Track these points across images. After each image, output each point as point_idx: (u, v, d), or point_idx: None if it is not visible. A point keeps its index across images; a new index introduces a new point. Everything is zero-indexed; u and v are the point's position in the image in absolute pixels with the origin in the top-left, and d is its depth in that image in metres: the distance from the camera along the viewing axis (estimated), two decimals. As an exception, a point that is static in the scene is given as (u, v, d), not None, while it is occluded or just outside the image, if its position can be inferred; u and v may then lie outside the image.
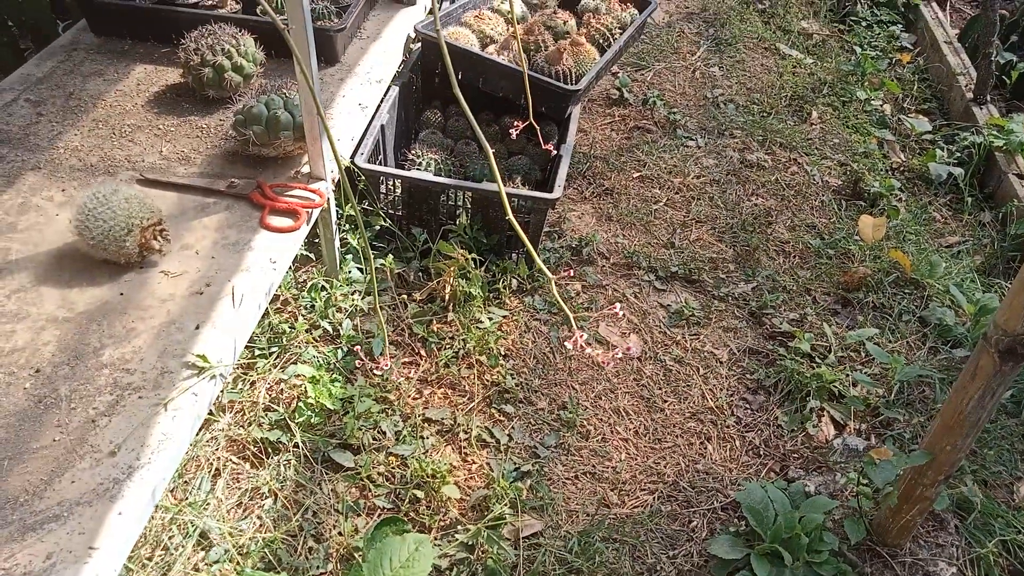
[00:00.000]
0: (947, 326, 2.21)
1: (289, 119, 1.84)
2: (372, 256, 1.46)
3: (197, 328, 1.52)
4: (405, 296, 2.12)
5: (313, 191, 1.84)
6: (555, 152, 2.36)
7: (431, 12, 2.70)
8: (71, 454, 1.29)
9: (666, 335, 2.16)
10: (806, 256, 2.48)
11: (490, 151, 0.87)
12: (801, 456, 1.90)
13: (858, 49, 3.56)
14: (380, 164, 2.26)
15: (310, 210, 1.81)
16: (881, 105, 3.25)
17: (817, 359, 2.11)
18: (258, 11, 2.25)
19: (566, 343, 0.71)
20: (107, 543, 1.18)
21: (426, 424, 1.85)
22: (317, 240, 2.04)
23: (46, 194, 1.78)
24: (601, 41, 2.55)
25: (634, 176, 2.73)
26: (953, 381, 2.08)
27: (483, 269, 2.17)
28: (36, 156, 1.87)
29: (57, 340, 1.47)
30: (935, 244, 2.56)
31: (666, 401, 1.99)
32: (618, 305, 0.70)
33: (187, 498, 1.62)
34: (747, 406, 2.02)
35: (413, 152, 2.36)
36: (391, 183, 2.19)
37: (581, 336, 0.71)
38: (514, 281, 2.21)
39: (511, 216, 0.92)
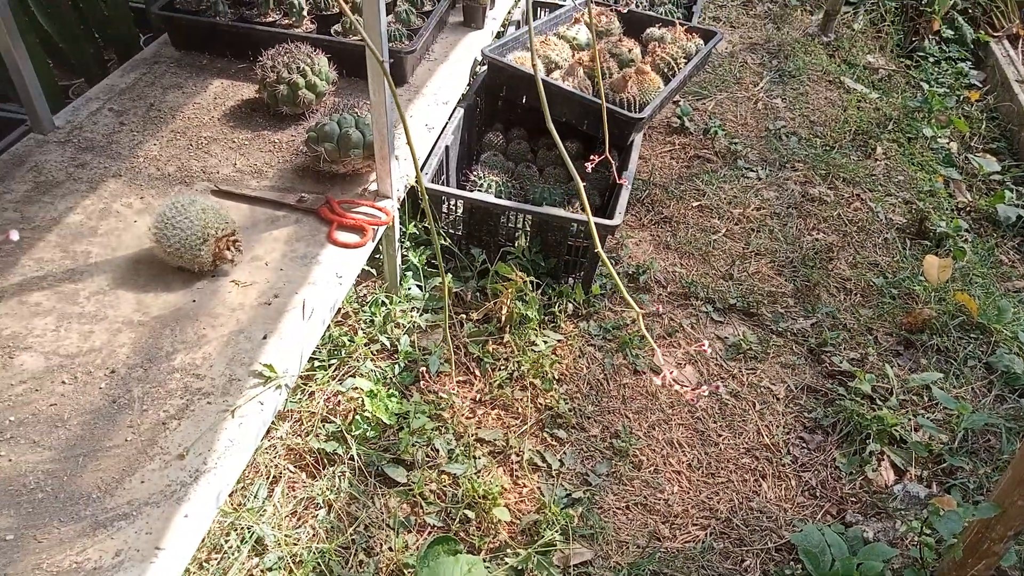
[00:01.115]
0: (1015, 374, 2.15)
1: (360, 138, 1.88)
2: (438, 273, 1.48)
3: (265, 338, 1.55)
4: (463, 315, 2.14)
5: (379, 208, 1.88)
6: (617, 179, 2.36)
7: (498, 36, 2.74)
8: (142, 455, 1.33)
9: (722, 368, 2.14)
10: (868, 294, 2.43)
11: (581, 184, 0.88)
12: (859, 500, 1.86)
13: (925, 85, 3.50)
14: (443, 184, 2.30)
15: (376, 227, 1.85)
16: (948, 143, 3.19)
17: (878, 401, 2.06)
18: (332, 31, 2.31)
19: (655, 378, 0.71)
20: (172, 544, 1.21)
21: (479, 444, 1.86)
22: (379, 256, 2.07)
23: (125, 200, 1.85)
24: (666, 70, 2.55)
25: (693, 205, 2.72)
26: (1022, 432, 2.01)
27: (539, 292, 2.17)
28: (117, 164, 1.94)
29: (132, 343, 1.52)
30: (1003, 288, 2.49)
31: (720, 435, 1.97)
32: (706, 342, 0.69)
33: (245, 503, 1.65)
34: (804, 445, 1.98)
35: (475, 173, 2.39)
36: (453, 203, 2.22)
37: (671, 372, 0.71)
38: (570, 305, 2.22)
39: (599, 249, 0.92)
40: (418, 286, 2.15)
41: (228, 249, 1.66)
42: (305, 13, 2.32)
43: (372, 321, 2.05)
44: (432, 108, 2.27)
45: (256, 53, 2.15)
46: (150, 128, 2.07)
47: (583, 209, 0.83)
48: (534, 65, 0.96)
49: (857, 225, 2.71)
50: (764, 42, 3.71)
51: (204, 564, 1.55)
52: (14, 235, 1.47)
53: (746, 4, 4.03)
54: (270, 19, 2.32)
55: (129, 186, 1.88)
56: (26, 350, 1.48)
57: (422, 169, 2.14)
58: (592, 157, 1.29)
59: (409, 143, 1.00)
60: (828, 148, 3.08)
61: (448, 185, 2.36)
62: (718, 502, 1.82)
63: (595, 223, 2.03)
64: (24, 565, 1.16)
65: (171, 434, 1.37)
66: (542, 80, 2.37)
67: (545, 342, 2.08)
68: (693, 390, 0.73)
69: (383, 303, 2.08)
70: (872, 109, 3.33)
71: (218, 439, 1.36)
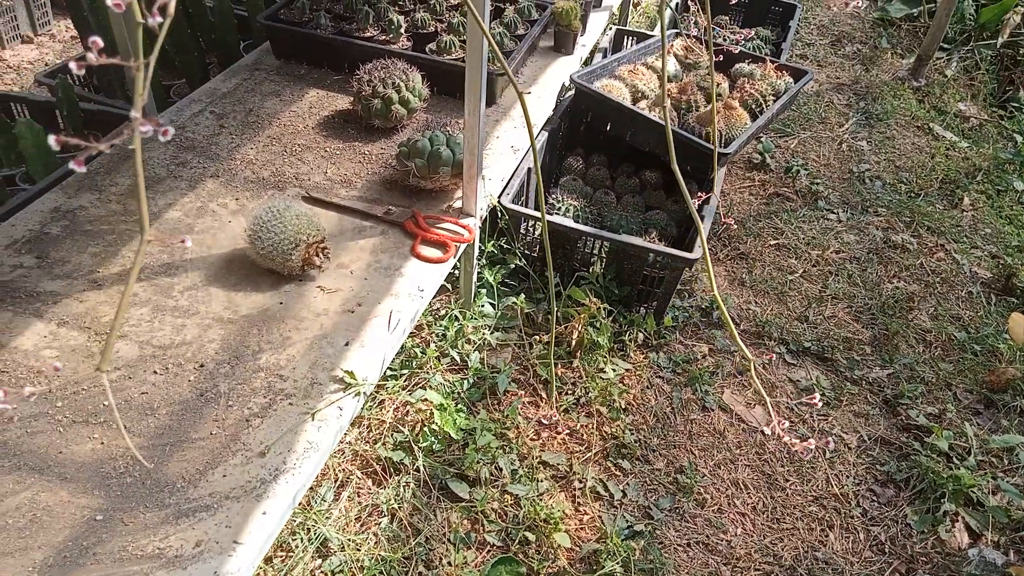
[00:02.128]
0: (1106, 444, 2.05)
1: (449, 156, 1.92)
2: (511, 292, 1.49)
3: (346, 345, 1.59)
4: (533, 337, 2.15)
5: (463, 226, 1.91)
6: (697, 210, 2.35)
7: (586, 62, 2.77)
8: (225, 449, 1.37)
9: (793, 412, 2.10)
10: (948, 349, 2.35)
11: (700, 223, 0.88)
12: (931, 561, 1.79)
13: (1018, 137, 3.39)
14: (522, 204, 2.32)
15: (458, 244, 1.87)
16: (1041, 198, 3.08)
17: (955, 460, 1.99)
18: (427, 49, 2.37)
19: (764, 428, 0.70)
20: (250, 539, 1.24)
21: (542, 467, 1.86)
22: (455, 271, 2.10)
23: (221, 201, 1.92)
24: (753, 106, 2.54)
25: (770, 243, 2.68)
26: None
27: (611, 320, 2.17)
28: (216, 165, 2.02)
29: (221, 339, 1.57)
30: (1095, 353, 2.38)
31: (788, 480, 1.93)
32: (817, 395, 0.67)
33: (312, 504, 1.69)
34: (874, 498, 1.92)
35: (553, 196, 2.41)
36: (531, 224, 2.24)
37: (782, 424, 0.70)
38: (640, 335, 2.21)
39: (715, 292, 0.92)
40: (491, 304, 2.17)
41: (317, 255, 1.71)
42: (402, 31, 2.38)
43: (444, 335, 2.08)
44: (518, 130, 2.29)
45: (352, 66, 2.22)
46: (248, 132, 2.15)
47: (701, 246, 0.82)
48: (664, 108, 0.97)
49: (940, 276, 2.63)
50: (851, 83, 3.65)
51: (270, 559, 1.59)
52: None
53: (835, 43, 3.98)
54: (368, 34, 2.39)
55: (226, 187, 1.95)
56: (122, 338, 1.55)
57: (504, 190, 2.17)
58: (700, 195, 1.29)
59: (538, 182, 1.02)
60: (913, 195, 3.00)
61: (527, 206, 2.38)
62: (782, 549, 1.78)
63: (674, 254, 2.03)
64: (112, 546, 1.21)
65: (253, 431, 1.41)
66: (626, 107, 2.38)
67: (614, 370, 2.08)
68: (802, 442, 0.72)
69: (456, 318, 2.11)
70: (961, 158, 3.24)
71: (298, 440, 1.40)
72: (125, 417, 1.40)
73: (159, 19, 0.52)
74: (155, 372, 1.49)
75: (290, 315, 1.64)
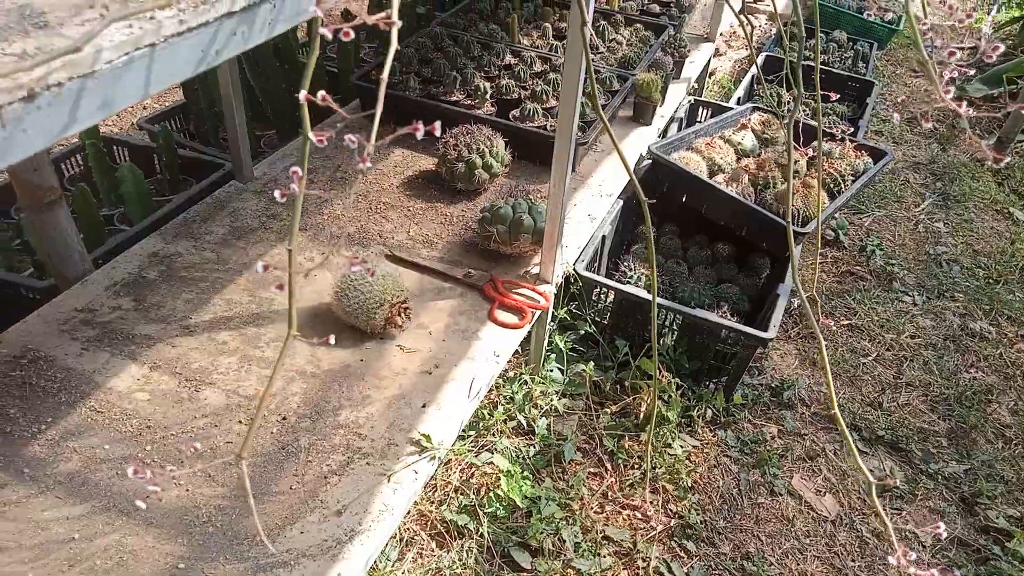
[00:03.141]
0: None
1: (531, 224, 1.95)
2: (580, 359, 1.50)
3: (424, 407, 1.61)
4: (600, 406, 2.14)
5: (540, 293, 1.93)
6: (772, 289, 2.34)
7: (663, 132, 2.80)
8: (303, 505, 1.40)
9: (865, 503, 2.04)
10: (1031, 446, 2.27)
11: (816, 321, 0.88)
12: (1011, 677, 1.70)
13: (1105, 226, 3.29)
14: (595, 271, 2.34)
15: (535, 311, 1.90)
16: None
17: (1038, 568, 1.90)
18: (511, 115, 2.43)
19: (889, 557, 0.69)
20: (324, 601, 1.26)
21: (605, 542, 1.84)
22: (527, 335, 2.12)
23: (308, 255, 1.99)
24: (832, 185, 2.52)
25: (843, 323, 2.64)
26: None
27: (679, 393, 2.16)
28: (304, 219, 2.09)
29: (303, 393, 1.61)
30: None
31: (859, 576, 1.86)
32: (942, 525, 0.66)
33: (378, 564, 1.69)
34: (950, 603, 1.84)
35: (625, 264, 2.42)
36: (603, 292, 2.25)
37: (907, 554, 0.68)
38: (708, 411, 2.18)
39: (822, 348, 0.92)
40: (560, 369, 2.18)
41: (399, 315, 1.75)
42: (488, 96, 2.45)
43: (512, 398, 2.09)
44: (595, 199, 2.33)
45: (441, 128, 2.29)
46: (335, 188, 2.23)
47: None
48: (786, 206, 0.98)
49: (1020, 369, 2.55)
50: (928, 162, 3.61)
51: (334, 618, 1.59)
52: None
53: (911, 121, 3.95)
54: (454, 98, 2.47)
55: (312, 241, 2.02)
56: (210, 386, 1.60)
57: (579, 257, 2.19)
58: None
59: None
60: (992, 281, 2.93)
61: (599, 273, 2.40)
62: (852, 650, 1.71)
63: (749, 332, 2.02)
64: (193, 597, 1.24)
65: (331, 489, 1.43)
66: (703, 181, 2.40)
67: (681, 447, 2.05)
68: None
69: (525, 381, 2.12)
70: (1044, 245, 3.16)
71: (374, 502, 1.42)
72: (210, 465, 1.45)
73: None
74: (239, 422, 1.54)
75: (370, 372, 1.67)
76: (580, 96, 1.66)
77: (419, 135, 0.66)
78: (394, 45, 0.65)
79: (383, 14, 0.63)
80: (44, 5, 0.60)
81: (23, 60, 0.52)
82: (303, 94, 0.68)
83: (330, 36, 0.63)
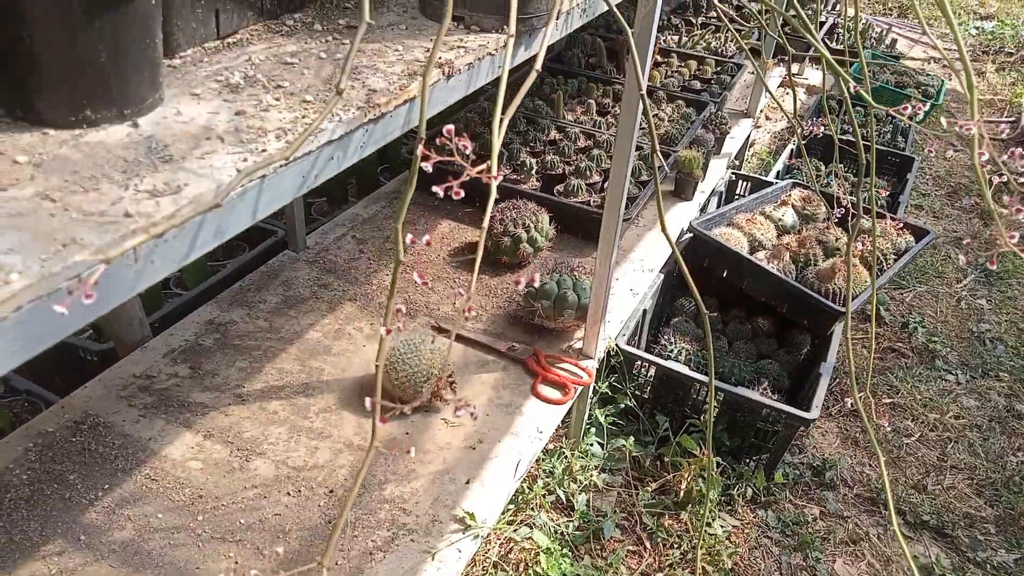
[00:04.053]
0: None
1: (575, 300, 1.99)
2: (619, 434, 1.50)
3: (468, 483, 1.63)
4: (639, 482, 2.14)
5: (583, 368, 1.96)
6: (813, 367, 2.33)
7: (703, 209, 2.85)
8: (350, 582, 1.42)
9: (911, 592, 1.99)
10: (1084, 537, 2.20)
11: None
12: None
13: None
14: (636, 345, 2.36)
15: (577, 387, 1.92)
16: None
17: (1096, 669, 1.83)
18: (555, 191, 2.49)
19: None
20: None
21: (645, 625, 1.82)
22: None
23: (357, 324, 2.04)
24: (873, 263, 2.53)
25: (884, 401, 2.61)
26: None
27: (720, 471, 2.14)
28: (354, 288, 2.15)
29: (350, 465, 1.64)
30: None
31: (907, 671, 1.81)
32: None
33: (416, 641, 1.69)
34: None
35: (665, 338, 2.44)
36: (645, 366, 2.26)
37: None
38: (748, 490, 2.16)
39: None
40: (599, 444, 2.19)
41: (445, 389, 1.78)
42: (533, 172, 2.52)
43: (552, 472, 2.09)
44: (638, 274, 2.36)
45: (484, 201, 2.35)
46: (384, 259, 2.29)
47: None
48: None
49: (1071, 454, 2.49)
50: (970, 237, 3.60)
51: None
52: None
53: (951, 195, 3.95)
54: (501, 172, 2.54)
55: (362, 311, 2.08)
56: (260, 456, 1.64)
57: (620, 331, 2.22)
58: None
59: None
60: (1038, 361, 2.89)
61: (640, 346, 2.42)
62: None
63: (791, 412, 2.01)
64: (242, 673, 1.25)
65: (376, 565, 1.45)
66: (745, 257, 2.42)
67: (722, 526, 2.03)
68: None
69: (564, 455, 2.13)
70: (1090, 324, 3.11)
71: (419, 581, 1.43)
72: (259, 537, 1.47)
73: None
74: (288, 494, 1.57)
75: (415, 446, 1.70)
76: (627, 181, 1.71)
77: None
78: (493, 195, 0.70)
79: (484, 166, 0.68)
80: (166, 137, 0.66)
81: (155, 196, 0.57)
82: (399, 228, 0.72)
83: (430, 169, 0.68)
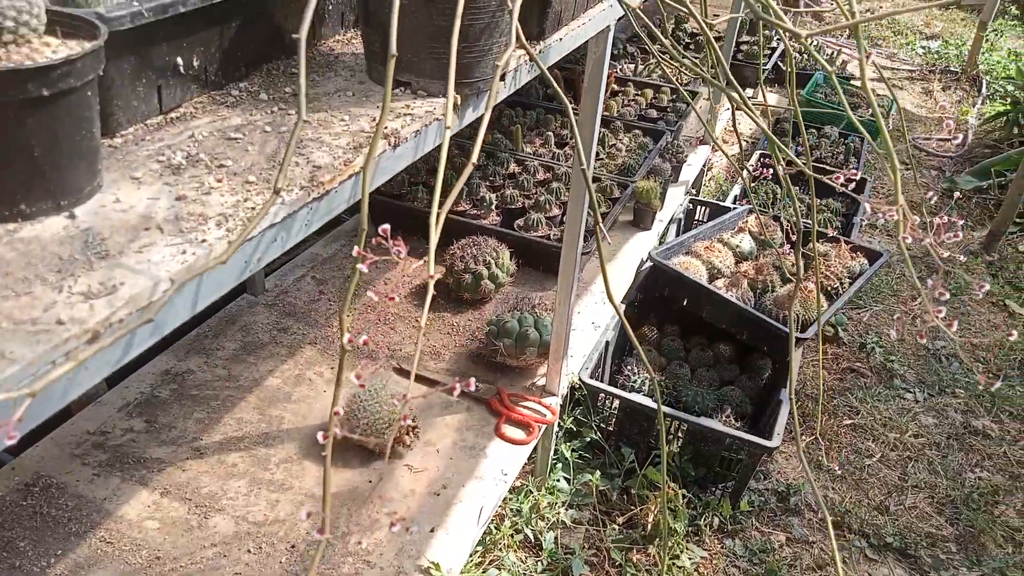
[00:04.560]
0: None
1: (537, 337, 1.99)
2: (586, 468, 1.51)
3: (432, 531, 1.62)
4: (607, 517, 2.14)
5: (546, 406, 1.96)
6: (773, 394, 2.36)
7: (663, 237, 2.88)
8: (314, 641, 1.39)
9: (877, 616, 2.01)
10: (1041, 552, 2.25)
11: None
12: None
13: (1099, 318, 3.34)
14: (599, 378, 2.36)
15: (541, 426, 1.92)
16: None
17: None
18: (515, 225, 2.50)
19: None
20: None
21: (616, 664, 1.81)
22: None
23: (317, 369, 2.02)
24: (829, 288, 2.58)
25: (845, 423, 2.66)
26: None
27: (686, 502, 2.15)
28: (314, 331, 2.13)
29: (312, 518, 1.61)
30: None
31: None
32: None
33: None
34: None
35: (628, 368, 2.45)
36: (609, 399, 2.27)
37: None
38: (715, 519, 2.18)
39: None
40: (566, 479, 2.18)
41: (407, 435, 1.77)
42: (493, 207, 2.53)
43: (519, 511, 2.08)
44: (599, 306, 2.38)
45: (444, 237, 2.35)
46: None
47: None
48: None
49: (1026, 468, 2.55)
50: (922, 256, 3.68)
51: None
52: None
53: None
54: (461, 208, 2.55)
55: (322, 355, 2.06)
56: (219, 512, 1.61)
57: (583, 365, 2.22)
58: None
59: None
60: (992, 376, 2.96)
61: (604, 378, 2.42)
62: None
63: (753, 442, 2.03)
64: None
65: (341, 623, 1.42)
66: (704, 287, 2.45)
67: (690, 559, 2.04)
68: None
69: (531, 491, 2.12)
70: (1040, 338, 3.20)
71: (385, 637, 1.41)
72: (219, 598, 1.44)
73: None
74: (249, 551, 1.53)
75: (378, 495, 1.68)
76: (581, 239, 1.72)
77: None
78: (430, 292, 0.69)
79: (421, 262, 0.68)
80: (104, 229, 0.65)
81: (89, 299, 0.56)
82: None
83: (366, 270, 0.67)
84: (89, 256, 0.61)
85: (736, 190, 3.42)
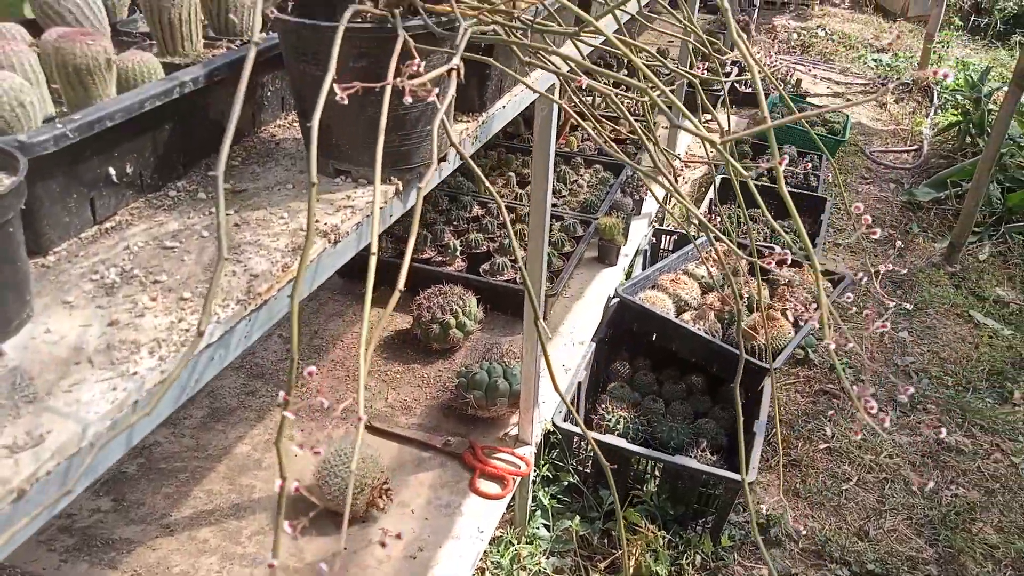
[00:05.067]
0: None
1: (507, 387, 1.99)
2: (565, 514, 1.49)
3: (409, 597, 1.60)
4: (589, 563, 2.13)
5: (520, 457, 1.95)
6: (747, 427, 2.37)
7: (629, 271, 2.90)
8: None
9: (862, 646, 2.01)
10: (1019, 566, 2.27)
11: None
12: None
13: (1062, 322, 3.40)
14: (572, 421, 2.36)
15: (516, 478, 1.91)
16: (1094, 390, 3.04)
17: None
18: (481, 270, 2.51)
19: None
20: None
21: None
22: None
23: (287, 433, 1.99)
24: (795, 315, 2.60)
25: (821, 447, 2.67)
26: None
27: (666, 542, 2.15)
28: (283, 391, 2.11)
29: (287, 592, 1.59)
30: None
31: None
32: None
33: None
34: None
35: (603, 407, 2.45)
36: (584, 441, 2.27)
37: None
38: (697, 557, 2.17)
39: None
40: (545, 526, 2.17)
41: (381, 497, 1.75)
42: (458, 253, 2.53)
43: (499, 564, 2.07)
44: (569, 348, 2.38)
45: (409, 285, 2.35)
46: (314, 356, 2.26)
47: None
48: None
49: (999, 481, 2.58)
50: (887, 270, 3.73)
51: None
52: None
53: (865, 228, 4.10)
54: (426, 256, 2.55)
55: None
56: (192, 591, 1.58)
57: (556, 409, 2.22)
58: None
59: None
60: (961, 389, 2.99)
61: (579, 417, 2.42)
62: None
63: (727, 477, 2.04)
64: None
65: None
66: (671, 321, 2.47)
67: (673, 600, 2.03)
68: None
69: (510, 543, 2.10)
70: (1005, 347, 3.25)
71: None
72: None
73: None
74: (222, 631, 1.51)
75: (354, 563, 1.66)
76: (543, 289, 1.73)
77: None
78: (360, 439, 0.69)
79: (359, 418, 0.68)
80: (33, 366, 0.64)
81: (14, 452, 0.55)
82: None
83: (292, 416, 0.67)
84: (16, 400, 0.60)
85: (703, 210, 3.45)
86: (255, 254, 0.82)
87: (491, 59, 1.01)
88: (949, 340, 3.28)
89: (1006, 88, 3.39)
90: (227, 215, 0.89)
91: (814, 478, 2.54)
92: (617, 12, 1.45)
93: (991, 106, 4.52)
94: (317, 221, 0.90)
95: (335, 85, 0.71)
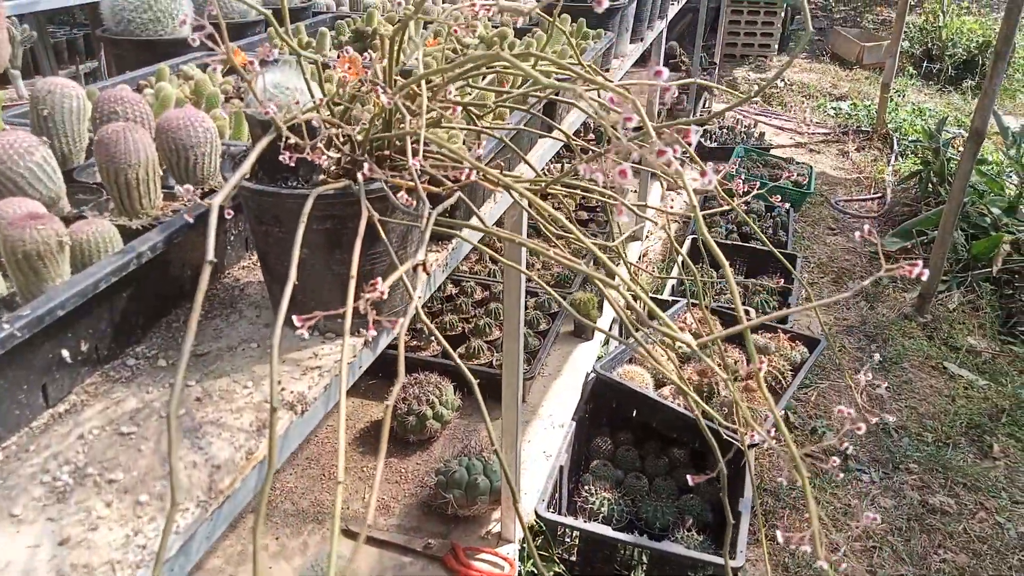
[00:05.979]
0: None
1: (487, 484, 1.94)
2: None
3: None
4: (578, 658, 2.06)
5: (503, 557, 1.90)
6: (732, 505, 2.34)
7: (606, 342, 2.88)
8: None
9: None
10: (1012, 636, 2.25)
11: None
12: None
13: (1034, 370, 3.44)
14: (555, 506, 2.31)
15: (500, 580, 1.85)
16: (1071, 438, 3.06)
17: None
18: (456, 354, 2.47)
19: None
20: None
21: None
22: (495, 591, 2.06)
23: (261, 542, 1.92)
24: (773, 383, 2.60)
25: (806, 517, 2.64)
26: None
27: (658, 632, 2.09)
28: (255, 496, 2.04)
29: None
30: None
31: None
32: None
33: None
34: None
35: (586, 488, 2.40)
36: (567, 529, 2.22)
37: None
38: (689, 645, 2.12)
39: None
40: (533, 621, 2.11)
41: (360, 614, 1.68)
42: (432, 337, 2.50)
43: (487, 665, 2.00)
44: (548, 432, 2.35)
45: (386, 372, 2.31)
46: (287, 455, 2.19)
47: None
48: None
49: (986, 543, 2.56)
50: (860, 324, 3.77)
51: None
52: None
53: (836, 280, 4.15)
54: (399, 341, 2.51)
55: (266, 523, 1.97)
56: None
57: (539, 498, 2.17)
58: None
59: None
60: (941, 444, 3.00)
61: (560, 504, 2.37)
62: None
63: (715, 563, 1.99)
64: None
65: None
66: (650, 398, 2.45)
67: None
68: None
69: (497, 642, 2.04)
70: (981, 398, 3.27)
71: None
72: None
73: None
74: None
75: None
76: (520, 378, 1.70)
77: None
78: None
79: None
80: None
81: None
82: None
83: None
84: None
85: (672, 279, 3.47)
86: (217, 437, 0.78)
87: (459, 193, 1.00)
88: (926, 394, 3.30)
89: (963, 133, 3.47)
90: (188, 386, 0.85)
91: (803, 551, 2.50)
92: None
93: (951, 153, 4.63)
94: (283, 389, 0.87)
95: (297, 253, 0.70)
